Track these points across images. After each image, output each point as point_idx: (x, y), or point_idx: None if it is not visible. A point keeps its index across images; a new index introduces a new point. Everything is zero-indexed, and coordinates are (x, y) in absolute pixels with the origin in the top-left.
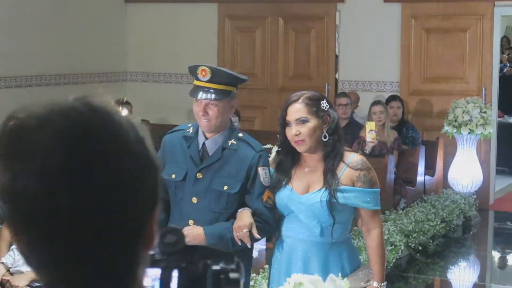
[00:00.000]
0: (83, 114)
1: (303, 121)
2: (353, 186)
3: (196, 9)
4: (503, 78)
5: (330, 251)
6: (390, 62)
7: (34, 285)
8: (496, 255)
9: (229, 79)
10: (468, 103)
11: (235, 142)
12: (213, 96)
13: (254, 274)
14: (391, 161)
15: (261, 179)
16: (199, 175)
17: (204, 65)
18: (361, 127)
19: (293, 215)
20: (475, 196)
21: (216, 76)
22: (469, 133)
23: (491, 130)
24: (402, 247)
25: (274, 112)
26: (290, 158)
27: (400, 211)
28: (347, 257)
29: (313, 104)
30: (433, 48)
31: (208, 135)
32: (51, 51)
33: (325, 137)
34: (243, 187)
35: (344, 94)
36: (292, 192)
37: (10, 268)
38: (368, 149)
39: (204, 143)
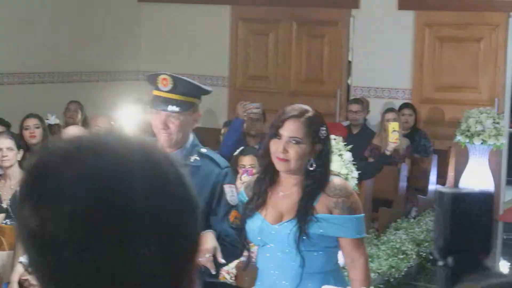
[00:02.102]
0: (115, 151)
1: (297, 142)
2: (331, 213)
3: (210, 11)
4: None
5: (313, 283)
6: (402, 69)
7: None
8: (504, 265)
9: (193, 89)
10: (481, 113)
11: (198, 158)
12: (174, 108)
13: None
14: (404, 168)
15: (227, 197)
16: None
17: (165, 73)
18: (373, 134)
19: (267, 247)
20: None
21: (178, 86)
22: (481, 143)
23: (504, 141)
24: (414, 256)
25: None
26: (268, 177)
27: (412, 220)
28: None
29: (313, 127)
30: (446, 57)
31: (167, 150)
32: (65, 49)
33: (311, 165)
34: (207, 207)
35: (355, 101)
36: (263, 222)
37: (29, 268)
38: (390, 149)
39: None
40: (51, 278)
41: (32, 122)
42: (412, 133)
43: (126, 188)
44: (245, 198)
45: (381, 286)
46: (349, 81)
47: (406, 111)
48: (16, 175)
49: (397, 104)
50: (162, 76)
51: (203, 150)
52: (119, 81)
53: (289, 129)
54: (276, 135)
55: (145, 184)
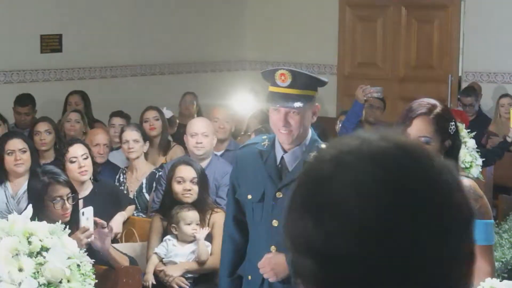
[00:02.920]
0: (400, 162)
1: (426, 142)
2: None
3: None
4: None
5: None
6: None
7: (187, 276)
8: None
9: (311, 82)
10: None
11: None
12: (295, 103)
13: None
14: None
15: None
16: (279, 194)
17: (283, 68)
18: (489, 121)
19: None
20: None
21: (297, 80)
22: None
23: None
24: None
25: (394, 103)
26: None
27: None
28: None
29: (442, 124)
30: None
31: (286, 147)
32: (170, 40)
33: None
34: None
35: (467, 93)
36: None
37: (163, 258)
38: (511, 136)
39: (282, 157)
40: (325, 285)
41: (151, 115)
42: None
43: (413, 202)
44: None
45: (505, 275)
46: (460, 67)
47: None
48: (142, 166)
49: (509, 89)
50: (280, 72)
51: (323, 145)
52: (225, 71)
53: (417, 128)
54: (403, 132)
55: (432, 195)
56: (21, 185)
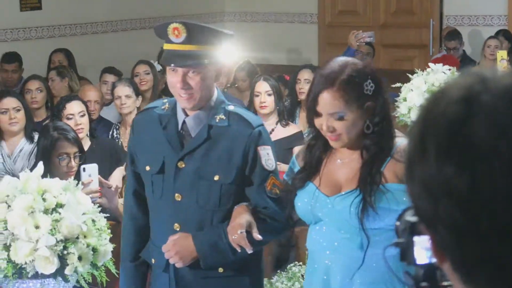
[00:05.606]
0: None
1: (339, 117)
2: (401, 183)
3: None
4: None
5: (378, 270)
6: None
7: None
8: None
9: (211, 36)
10: None
11: (224, 117)
12: (192, 61)
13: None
14: None
15: (262, 161)
16: (181, 164)
17: (176, 22)
18: (474, 64)
19: (321, 224)
20: None
21: (193, 34)
22: None
23: None
24: None
25: (377, 50)
26: (321, 142)
27: None
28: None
29: (353, 89)
30: None
31: (189, 111)
32: None
33: (368, 128)
34: (240, 175)
35: (451, 37)
36: (317, 193)
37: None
38: None
39: (184, 122)
40: (476, 236)
41: (142, 69)
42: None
43: None
44: (296, 167)
45: None
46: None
47: (502, 38)
48: None
49: (491, 31)
50: (172, 25)
51: (231, 107)
52: (205, 23)
53: (325, 105)
54: (316, 113)
55: None
56: (17, 144)
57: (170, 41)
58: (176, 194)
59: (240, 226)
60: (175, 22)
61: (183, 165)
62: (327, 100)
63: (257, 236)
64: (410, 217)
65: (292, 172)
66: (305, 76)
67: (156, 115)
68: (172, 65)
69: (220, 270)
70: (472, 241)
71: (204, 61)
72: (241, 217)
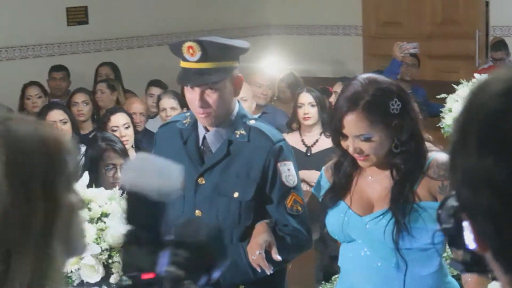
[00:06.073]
0: None
1: (365, 139)
2: (435, 200)
3: None
4: None
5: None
6: None
7: None
8: None
9: (226, 51)
10: None
11: (244, 133)
12: (209, 78)
13: None
14: None
15: (283, 177)
16: (201, 180)
17: (189, 40)
18: None
19: (355, 244)
20: None
21: (208, 51)
22: None
23: None
24: None
25: (422, 61)
26: (349, 159)
27: None
28: None
29: (378, 110)
30: None
31: (209, 127)
32: (192, 7)
33: (396, 147)
34: (259, 192)
35: (497, 47)
36: (349, 212)
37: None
38: None
39: (204, 137)
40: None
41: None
42: None
43: None
44: (323, 179)
45: None
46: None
47: None
48: None
49: None
50: (187, 44)
51: (252, 122)
52: (250, 37)
53: (350, 128)
54: (342, 135)
55: None
56: None
57: (185, 60)
58: (197, 211)
59: (259, 247)
60: (189, 41)
61: (203, 181)
62: (351, 123)
63: (277, 257)
64: (455, 203)
65: (319, 185)
66: (339, 88)
67: (178, 129)
68: (189, 84)
69: (241, 287)
70: (511, 232)
71: (221, 77)
72: (260, 237)
